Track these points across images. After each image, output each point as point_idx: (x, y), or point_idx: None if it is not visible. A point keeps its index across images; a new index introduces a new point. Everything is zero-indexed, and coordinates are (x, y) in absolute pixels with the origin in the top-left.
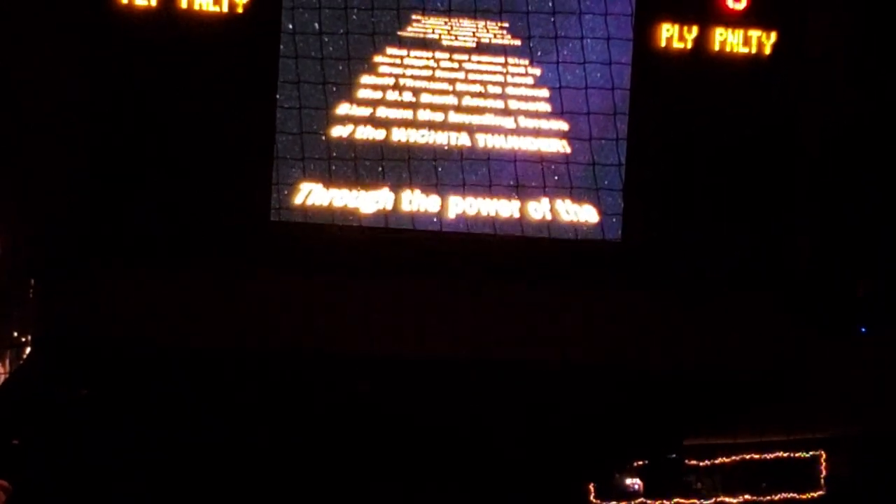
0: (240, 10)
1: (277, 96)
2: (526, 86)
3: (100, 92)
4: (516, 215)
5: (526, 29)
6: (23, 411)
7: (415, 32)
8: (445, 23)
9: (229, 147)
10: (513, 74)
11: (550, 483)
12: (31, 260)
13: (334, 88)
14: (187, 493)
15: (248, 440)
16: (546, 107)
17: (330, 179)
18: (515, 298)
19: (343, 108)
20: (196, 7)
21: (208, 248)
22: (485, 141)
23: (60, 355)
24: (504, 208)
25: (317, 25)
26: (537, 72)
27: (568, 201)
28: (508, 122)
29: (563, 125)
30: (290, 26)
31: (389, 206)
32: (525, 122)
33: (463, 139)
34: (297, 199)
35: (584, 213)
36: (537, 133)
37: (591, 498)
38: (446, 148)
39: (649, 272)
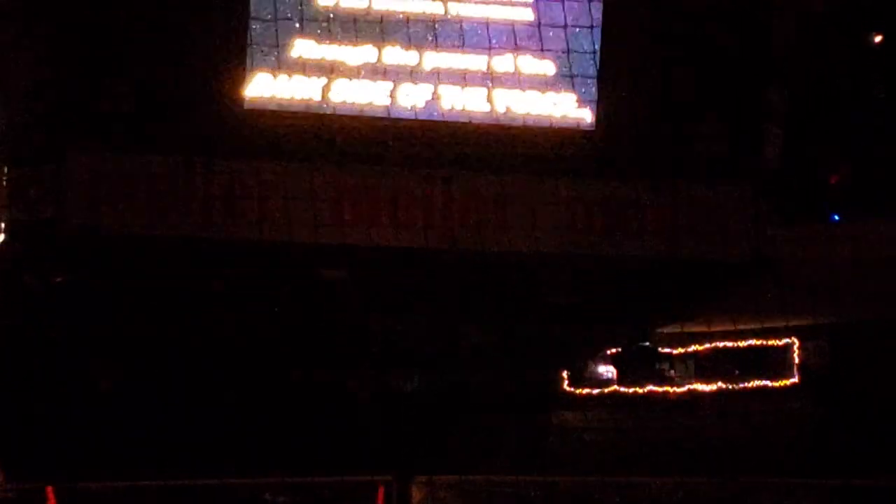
0: None
1: None
2: None
3: None
4: (488, 105)
5: None
6: None
7: None
8: None
9: (203, 35)
10: None
11: (524, 371)
12: (2, 146)
13: None
14: (158, 381)
15: (218, 327)
16: None
17: (304, 67)
18: (488, 188)
19: None
20: None
21: (181, 135)
22: (457, 10)
23: (33, 242)
24: (477, 96)
25: None
26: None
27: (541, 90)
28: None
29: None
30: None
31: (365, 99)
32: None
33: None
34: (271, 87)
35: (558, 102)
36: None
37: (565, 385)
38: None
39: (622, 160)
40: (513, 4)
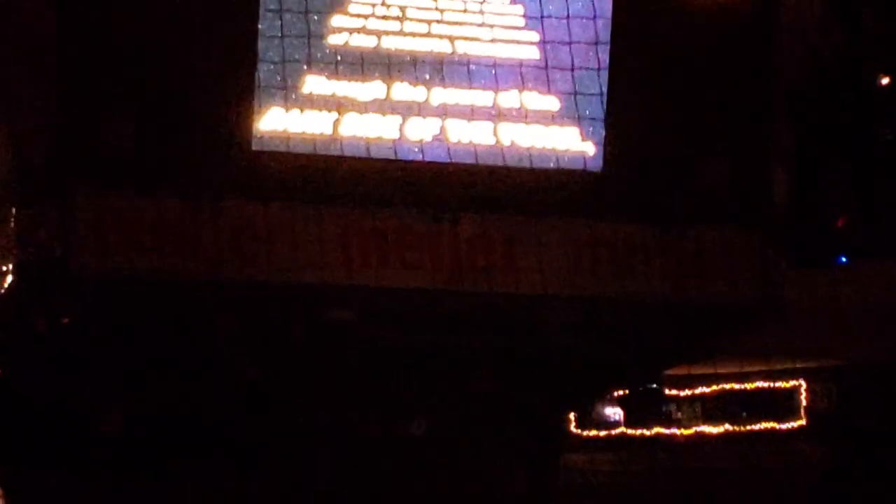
0: None
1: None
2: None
3: (75, 14)
4: (496, 143)
5: None
6: (4, 340)
7: None
8: None
9: (210, 73)
10: None
11: (531, 413)
12: (10, 187)
13: (315, 17)
14: (166, 423)
15: (227, 370)
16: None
17: (314, 103)
18: (495, 228)
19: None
20: None
21: (188, 176)
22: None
23: (41, 283)
24: (485, 136)
25: None
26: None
27: (549, 129)
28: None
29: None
30: None
31: (372, 135)
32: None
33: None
34: (279, 127)
35: (565, 143)
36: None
37: (572, 427)
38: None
39: (630, 203)
40: (519, 43)
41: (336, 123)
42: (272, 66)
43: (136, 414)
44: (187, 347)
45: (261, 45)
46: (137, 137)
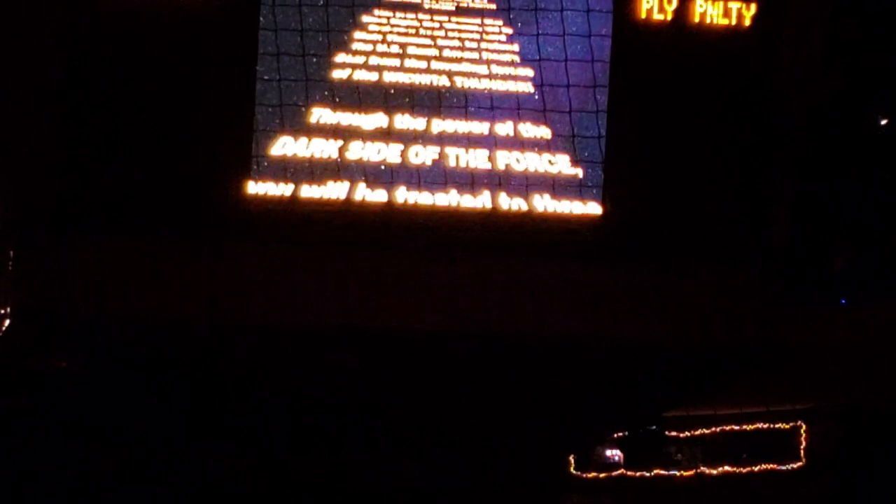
0: None
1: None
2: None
3: (73, 64)
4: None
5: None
6: (2, 383)
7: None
8: None
9: (207, 119)
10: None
11: (531, 455)
12: (8, 232)
13: (314, 59)
14: (163, 464)
15: (224, 412)
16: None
17: (310, 154)
18: (493, 271)
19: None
20: None
21: (184, 220)
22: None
23: (39, 327)
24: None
25: None
26: (510, 31)
27: (547, 168)
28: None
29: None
30: None
31: (366, 179)
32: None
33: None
34: (275, 172)
35: (564, 184)
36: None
37: (572, 469)
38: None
39: (629, 245)
40: (515, 79)
41: (343, 149)
42: (270, 109)
43: (132, 456)
44: (184, 389)
45: (259, 87)
46: (134, 182)
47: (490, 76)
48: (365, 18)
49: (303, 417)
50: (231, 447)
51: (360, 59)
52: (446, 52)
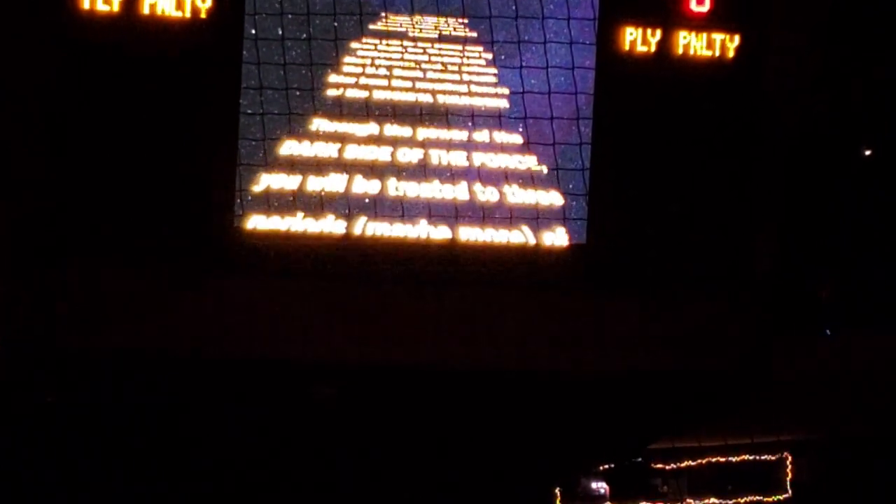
0: (203, 15)
1: (241, 101)
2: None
3: (61, 97)
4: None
5: (489, 33)
6: None
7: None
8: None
9: (192, 152)
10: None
11: (516, 487)
12: None
13: (297, 93)
14: (153, 498)
15: (212, 445)
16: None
17: (295, 186)
18: (479, 303)
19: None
20: (159, 12)
21: (171, 253)
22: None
23: (26, 361)
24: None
25: (280, 31)
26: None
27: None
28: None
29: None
30: (253, 31)
31: (350, 214)
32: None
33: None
34: (261, 206)
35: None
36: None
37: (558, 502)
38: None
39: (614, 275)
40: (496, 97)
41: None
42: (254, 143)
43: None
44: (170, 422)
45: (242, 121)
46: (119, 215)
47: (474, 113)
48: (346, 58)
49: (285, 452)
50: (212, 481)
51: (349, 80)
52: (432, 88)
